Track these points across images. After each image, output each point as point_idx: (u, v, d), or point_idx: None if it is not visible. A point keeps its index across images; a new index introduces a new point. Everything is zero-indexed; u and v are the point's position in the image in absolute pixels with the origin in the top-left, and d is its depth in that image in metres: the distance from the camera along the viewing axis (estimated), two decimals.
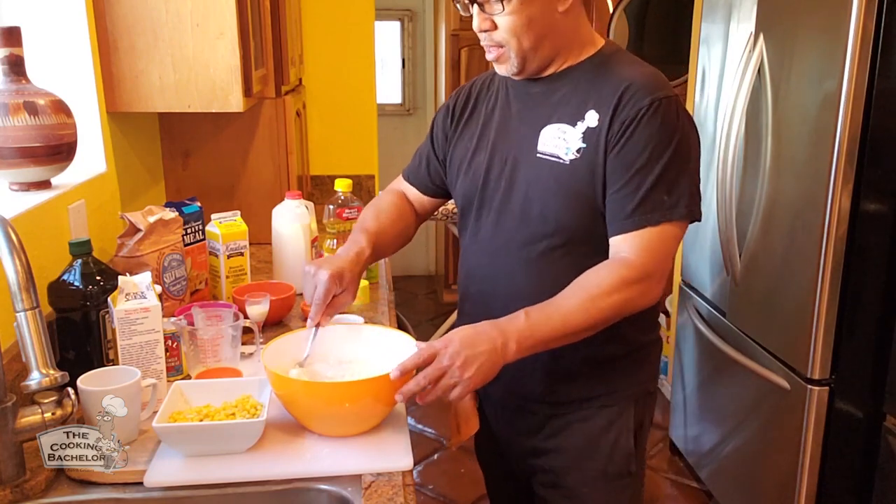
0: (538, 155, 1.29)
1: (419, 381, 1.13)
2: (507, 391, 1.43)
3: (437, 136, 1.49)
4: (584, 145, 1.25)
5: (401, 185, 1.59)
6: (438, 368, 1.12)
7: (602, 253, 1.27)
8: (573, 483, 1.40)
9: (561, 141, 1.27)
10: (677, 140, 1.22)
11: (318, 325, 1.31)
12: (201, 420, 1.18)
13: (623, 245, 1.24)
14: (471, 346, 1.13)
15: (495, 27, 1.25)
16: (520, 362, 1.25)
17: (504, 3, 1.22)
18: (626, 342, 1.35)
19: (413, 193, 1.56)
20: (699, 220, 1.27)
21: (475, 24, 1.27)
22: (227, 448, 1.16)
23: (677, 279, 3.01)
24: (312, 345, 1.30)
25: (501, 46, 1.27)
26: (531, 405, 1.41)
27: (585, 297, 1.20)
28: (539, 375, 1.37)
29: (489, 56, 1.30)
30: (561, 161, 1.27)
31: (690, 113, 2.86)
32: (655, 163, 1.21)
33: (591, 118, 1.25)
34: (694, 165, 1.26)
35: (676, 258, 3.16)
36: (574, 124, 1.27)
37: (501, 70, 1.32)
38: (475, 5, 1.25)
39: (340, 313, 1.42)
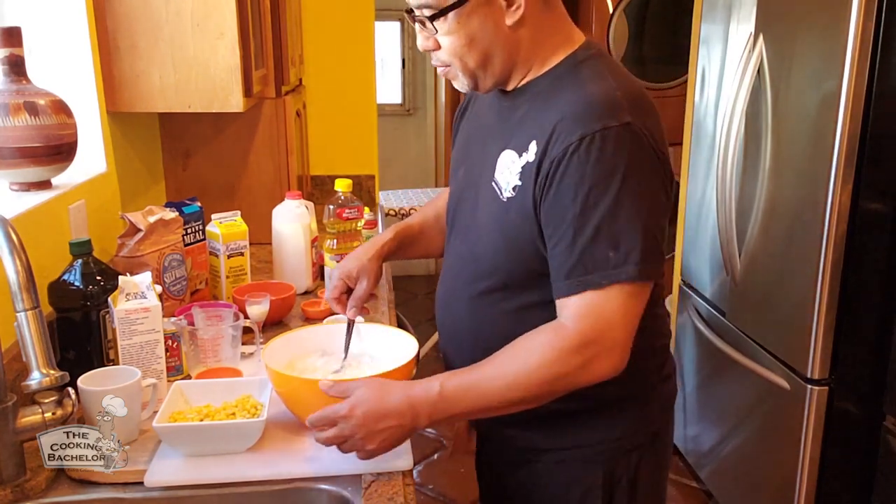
0: (492, 182, 1.16)
1: (328, 438, 1.08)
2: (479, 425, 1.38)
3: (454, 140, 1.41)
4: (520, 183, 1.10)
5: None
6: (340, 436, 1.07)
7: (549, 302, 1.11)
8: None
9: (508, 172, 1.13)
10: (620, 180, 1.02)
11: (349, 323, 1.32)
12: (201, 420, 1.18)
13: (564, 310, 1.07)
14: (375, 421, 1.05)
15: (439, 46, 1.13)
16: None
17: (437, 23, 1.09)
18: (583, 397, 1.14)
19: None
20: (657, 280, 1.07)
21: (419, 44, 1.16)
22: (227, 448, 1.16)
23: (677, 279, 3.01)
24: (350, 343, 1.33)
25: (448, 65, 1.15)
26: (501, 445, 1.32)
27: (510, 371, 1.06)
28: (498, 418, 1.25)
29: (440, 73, 1.19)
30: (500, 197, 1.14)
31: (690, 109, 2.89)
32: (592, 211, 1.02)
33: (532, 151, 1.09)
34: (650, 210, 1.05)
35: (675, 258, 3.16)
36: (520, 154, 1.11)
37: (457, 86, 1.19)
38: (417, 23, 1.13)
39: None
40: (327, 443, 1.08)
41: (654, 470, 1.29)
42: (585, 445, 1.23)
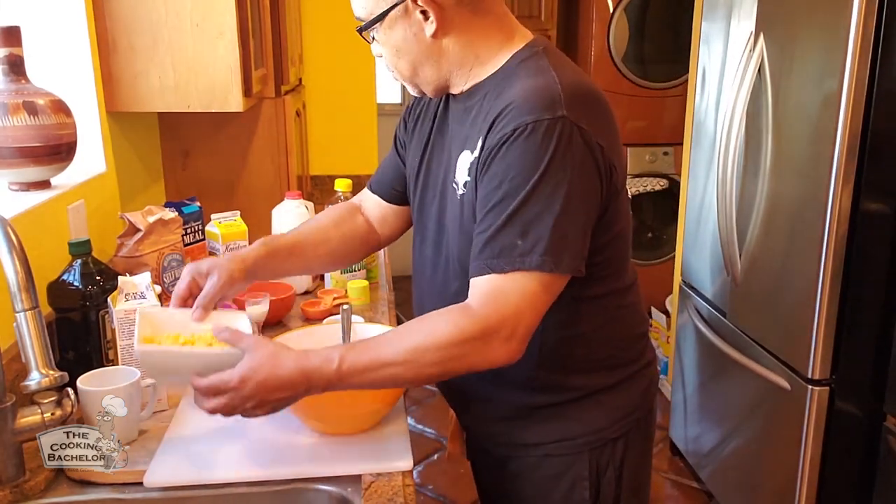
0: (453, 184, 1.19)
1: (215, 407, 1.05)
2: (466, 423, 1.40)
3: (399, 136, 1.40)
4: (469, 178, 1.14)
5: (361, 197, 1.48)
6: (229, 405, 1.05)
7: None
8: None
9: (463, 171, 1.16)
10: (542, 171, 1.03)
11: (344, 322, 1.30)
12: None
13: (472, 291, 1.08)
14: (267, 392, 1.04)
15: (381, 54, 1.21)
16: (466, 400, 1.28)
17: (370, 33, 1.17)
18: (568, 389, 1.22)
19: (373, 204, 1.44)
20: (567, 273, 1.06)
21: (373, 51, 1.23)
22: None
23: (677, 279, 3.01)
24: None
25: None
26: (489, 441, 1.33)
27: (410, 348, 1.05)
28: (483, 416, 1.30)
29: (393, 77, 1.24)
30: (457, 196, 1.17)
31: (691, 109, 2.89)
32: (512, 199, 1.04)
33: (478, 147, 1.12)
34: (570, 203, 1.04)
35: (676, 258, 3.16)
36: (472, 152, 1.14)
37: (410, 91, 1.26)
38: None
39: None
40: (213, 412, 1.06)
41: (639, 456, 1.31)
42: (571, 438, 1.24)
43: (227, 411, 1.05)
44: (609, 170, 1.10)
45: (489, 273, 1.05)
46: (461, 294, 1.11)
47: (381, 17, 1.13)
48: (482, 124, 1.12)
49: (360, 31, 1.16)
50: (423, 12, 1.11)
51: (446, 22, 1.12)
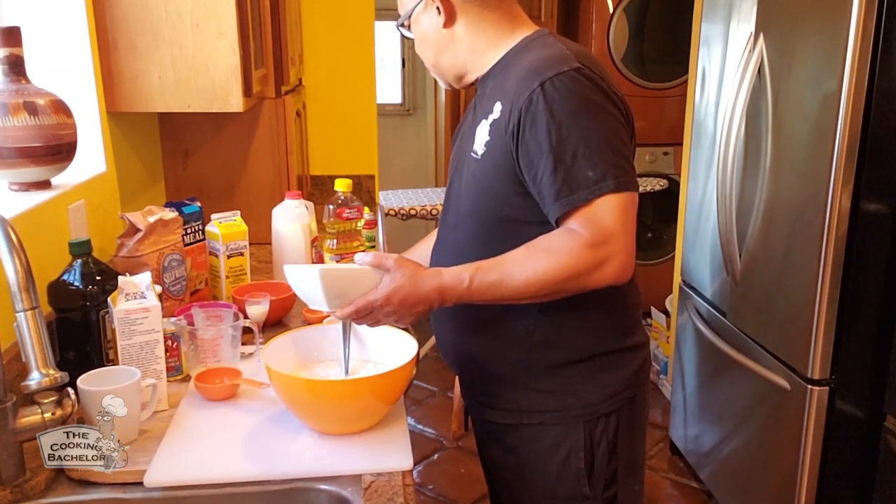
0: (471, 153, 1.32)
1: (361, 321, 1.20)
2: (467, 385, 1.45)
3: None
4: (489, 138, 1.26)
5: None
6: (373, 318, 1.20)
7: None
8: (525, 502, 1.38)
9: (480, 137, 1.29)
10: (585, 110, 1.17)
11: (344, 327, 1.33)
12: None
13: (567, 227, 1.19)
14: (408, 307, 1.18)
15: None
16: (469, 358, 1.37)
17: (404, 31, 1.39)
18: (559, 348, 1.30)
19: None
20: (634, 191, 1.18)
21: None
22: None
23: (677, 279, 3.01)
24: (348, 347, 1.30)
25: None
26: (488, 410, 1.39)
27: (530, 270, 1.16)
28: (484, 374, 1.37)
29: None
30: (476, 157, 1.29)
31: (691, 109, 2.89)
32: (566, 141, 1.15)
33: (496, 110, 1.25)
34: (614, 132, 1.19)
35: (676, 258, 3.16)
36: (487, 117, 1.28)
37: (441, 84, 1.47)
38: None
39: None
40: (359, 323, 1.22)
41: (632, 435, 1.37)
42: (565, 409, 1.32)
43: (370, 322, 1.21)
44: (627, 115, 1.24)
45: (574, 208, 1.16)
46: (475, 249, 1.27)
47: (409, 13, 1.35)
48: (497, 94, 1.27)
49: (397, 25, 1.38)
50: (438, 8, 1.30)
51: (455, 14, 1.31)
